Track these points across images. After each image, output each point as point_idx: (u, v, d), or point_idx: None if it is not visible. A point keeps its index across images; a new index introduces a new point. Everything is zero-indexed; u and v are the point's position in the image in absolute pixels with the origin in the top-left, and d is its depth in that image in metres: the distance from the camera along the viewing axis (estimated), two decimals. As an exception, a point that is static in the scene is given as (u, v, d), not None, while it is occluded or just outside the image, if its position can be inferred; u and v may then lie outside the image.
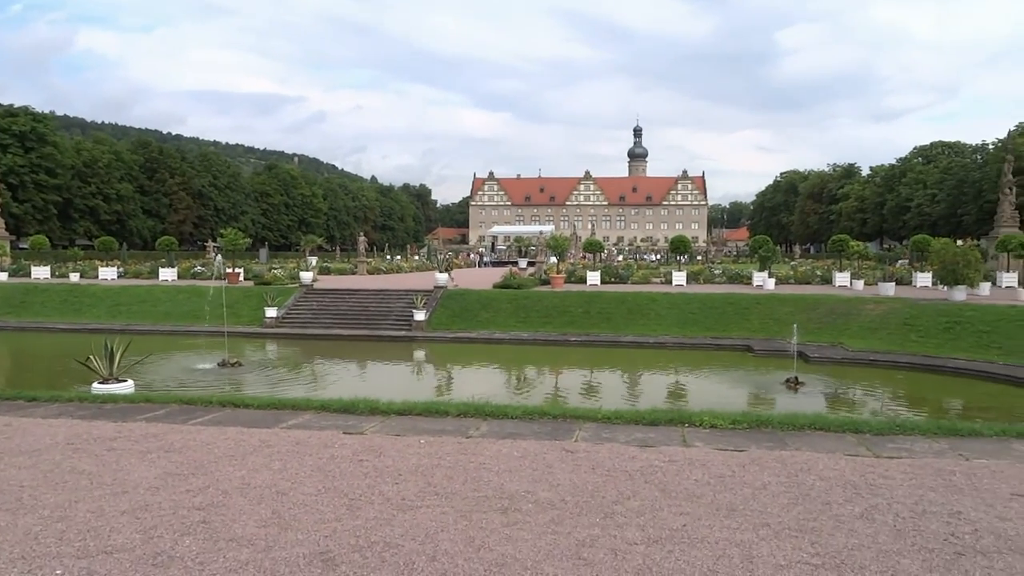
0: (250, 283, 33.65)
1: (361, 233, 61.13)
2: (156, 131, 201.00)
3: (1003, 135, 73.78)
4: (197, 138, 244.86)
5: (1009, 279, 31.58)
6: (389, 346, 24.30)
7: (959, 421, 8.82)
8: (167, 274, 37.06)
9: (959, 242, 57.60)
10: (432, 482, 6.06)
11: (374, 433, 7.87)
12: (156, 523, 5.08)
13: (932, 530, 5.01)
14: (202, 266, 40.33)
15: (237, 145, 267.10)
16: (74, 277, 36.42)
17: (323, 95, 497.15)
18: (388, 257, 72.31)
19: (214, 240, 56.22)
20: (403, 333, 25.58)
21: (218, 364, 19.23)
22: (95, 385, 11.60)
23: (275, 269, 40.04)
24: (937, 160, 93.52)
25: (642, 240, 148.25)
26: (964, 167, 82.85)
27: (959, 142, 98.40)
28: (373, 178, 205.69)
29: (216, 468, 6.48)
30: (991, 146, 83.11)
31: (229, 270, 34.85)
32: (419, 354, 23.46)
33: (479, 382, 18.58)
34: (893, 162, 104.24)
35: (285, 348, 23.96)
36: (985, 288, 28.13)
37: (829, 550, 4.64)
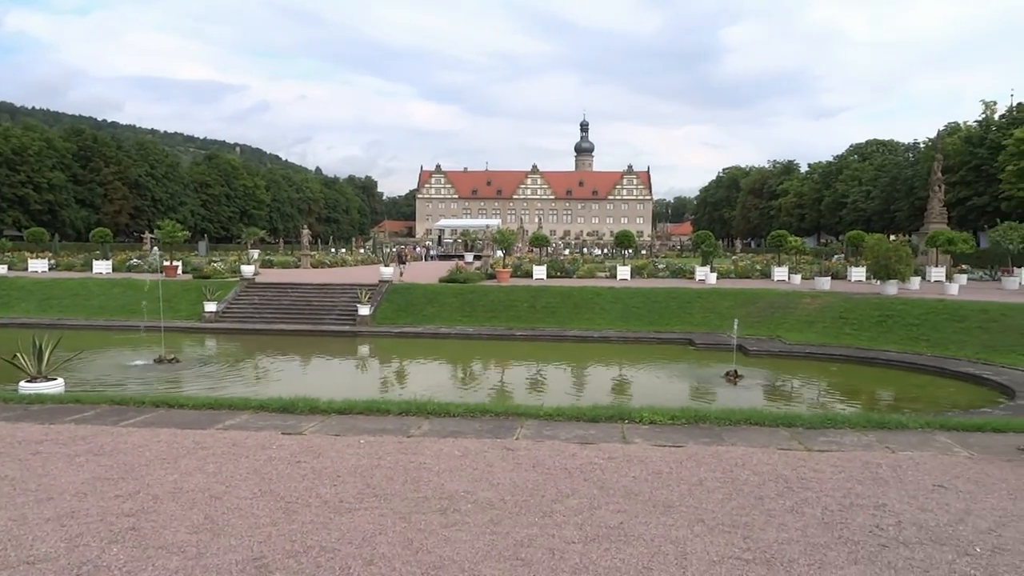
0: (189, 276, 32.84)
1: (305, 226, 60.20)
2: (91, 118, 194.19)
3: (934, 134, 76.53)
4: (134, 126, 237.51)
5: (937, 274, 32.84)
6: (333, 341, 23.99)
7: (887, 414, 9.12)
8: (101, 267, 35.88)
9: (892, 238, 59.69)
10: (371, 483, 6.00)
11: (313, 433, 7.76)
12: (82, 531, 4.92)
13: (858, 523, 5.18)
14: (138, 259, 39.18)
15: (176, 134, 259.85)
16: (1, 269, 35.01)
17: (267, 84, 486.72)
18: (333, 250, 71.38)
19: (151, 232, 54.59)
20: (347, 328, 25.29)
21: (154, 360, 18.71)
22: (22, 384, 11.15)
23: (215, 262, 39.15)
24: (872, 158, 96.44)
25: (588, 234, 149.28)
26: (897, 165, 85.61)
27: (892, 140, 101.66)
28: (318, 169, 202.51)
29: (147, 472, 6.30)
30: (922, 145, 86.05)
31: (167, 263, 33.93)
32: (363, 349, 23.23)
33: (424, 378, 18.49)
34: (830, 159, 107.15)
35: (225, 344, 23.43)
36: (915, 283, 29.20)
37: (760, 544, 4.75)
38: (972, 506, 5.54)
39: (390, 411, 8.72)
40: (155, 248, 37.68)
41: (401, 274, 31.68)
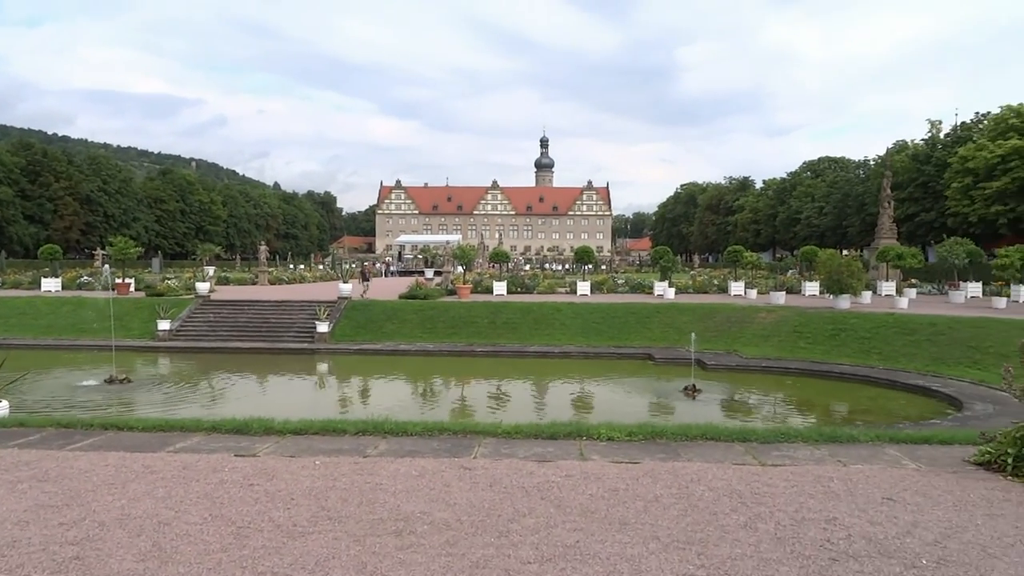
0: (141, 294, 32.17)
1: (263, 242, 59.40)
2: (41, 132, 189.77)
3: (883, 152, 78.72)
4: (86, 140, 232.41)
5: (888, 288, 33.69)
6: (290, 359, 23.67)
7: (839, 428, 9.30)
8: (50, 284, 34.97)
9: (844, 253, 61.06)
10: (326, 506, 5.91)
11: (267, 455, 7.63)
12: (23, 561, 4.75)
13: (810, 537, 5.26)
14: (89, 276, 38.27)
15: (130, 148, 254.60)
16: (-56, 288, 33.88)
17: (223, 99, 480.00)
18: (291, 266, 70.55)
19: (103, 248, 53.33)
20: (305, 345, 24.99)
21: (105, 381, 18.24)
22: (-37, 408, 10.77)
23: (169, 279, 38.39)
24: (824, 174, 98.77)
25: (549, 250, 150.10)
26: (848, 181, 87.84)
27: (844, 157, 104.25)
28: (276, 185, 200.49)
29: (94, 498, 6.12)
30: (872, 162, 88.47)
31: (119, 280, 33.15)
32: (321, 367, 22.96)
33: (382, 396, 18.34)
34: (784, 176, 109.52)
35: (179, 363, 22.97)
36: (867, 297, 29.91)
37: (714, 561, 4.79)
38: (919, 518, 5.66)
39: (346, 431, 8.62)
40: (107, 265, 36.77)
41: (364, 291, 31.44)
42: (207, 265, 48.10)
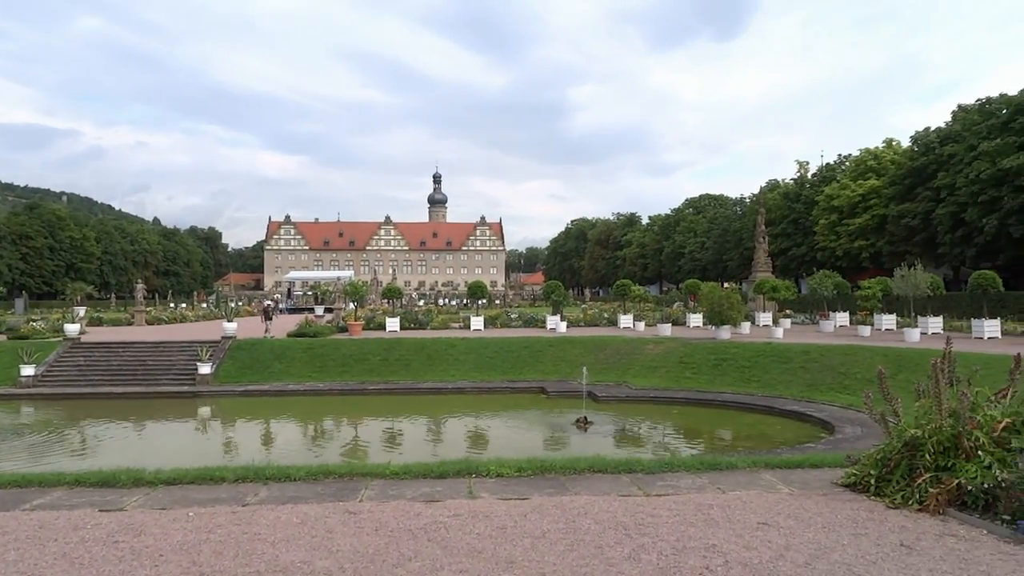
0: (3, 337, 29.81)
1: (140, 280, 56.49)
2: None
3: (758, 190, 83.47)
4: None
5: (765, 318, 35.43)
6: (170, 404, 22.42)
7: (719, 456, 9.63)
8: None
9: (725, 285, 64.03)
10: (197, 560, 5.58)
11: (136, 508, 7.15)
12: None
13: (690, 565, 5.38)
14: (-59, 319, 35.15)
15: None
16: None
17: (100, 130, 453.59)
18: (172, 305, 67.23)
19: (-41, 289, 49.25)
20: (186, 388, 23.77)
21: (-45, 434, 16.69)
22: None
23: (35, 321, 35.76)
24: (705, 211, 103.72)
25: (443, 285, 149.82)
26: (727, 218, 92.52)
27: (723, 195, 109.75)
28: (156, 220, 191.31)
29: (-69, 566, 5.54)
30: (748, 200, 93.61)
31: (-24, 323, 30.62)
32: (203, 411, 21.85)
33: (267, 440, 17.61)
34: (669, 212, 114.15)
35: (45, 411, 21.31)
36: (746, 327, 31.34)
37: (599, 595, 4.82)
38: (791, 541, 5.91)
39: (225, 479, 8.20)
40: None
41: (267, 330, 30.29)
42: (78, 305, 45.20)
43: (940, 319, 30.46)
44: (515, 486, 7.87)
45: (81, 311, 38.52)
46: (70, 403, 22.18)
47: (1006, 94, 51.77)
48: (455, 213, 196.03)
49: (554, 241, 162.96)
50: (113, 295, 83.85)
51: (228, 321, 29.03)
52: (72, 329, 28.66)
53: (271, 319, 32.77)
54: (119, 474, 8.25)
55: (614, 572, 5.25)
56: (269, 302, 48.33)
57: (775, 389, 21.45)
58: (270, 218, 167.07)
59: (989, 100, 53.05)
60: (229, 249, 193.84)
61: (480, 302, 45.05)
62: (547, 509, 6.92)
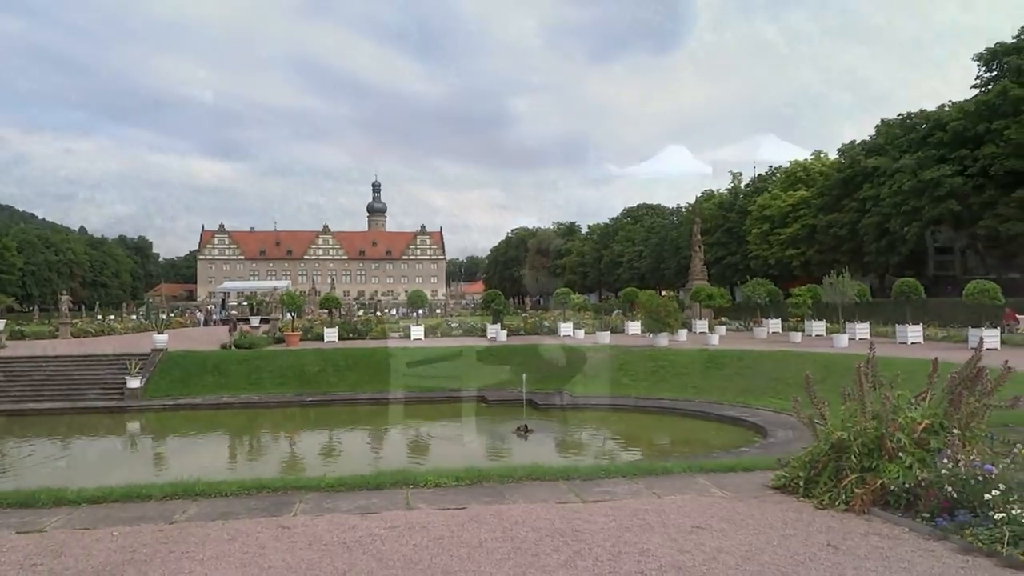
0: (-87, 353, 28.25)
1: (65, 291, 54.25)
2: None
3: (693, 200, 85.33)
4: None
5: (701, 325, 36.16)
6: (96, 419, 21.60)
7: (655, 462, 9.77)
8: None
9: (663, 294, 65.13)
10: (121, 581, 5.37)
11: (57, 529, 6.83)
12: None
13: (625, 570, 5.42)
14: None
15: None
16: None
17: (21, 136, 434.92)
18: (99, 317, 64.80)
19: None
20: (114, 403, 22.93)
21: None
22: None
23: (-51, 335, 34.00)
24: (643, 220, 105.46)
25: (383, 294, 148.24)
26: (664, 227, 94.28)
27: (660, 205, 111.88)
28: (83, 229, 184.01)
29: None
30: (684, 209, 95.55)
31: None
32: (132, 427, 21.13)
33: (199, 455, 17.13)
34: (608, 221, 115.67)
35: (-42, 429, 20.27)
36: (683, 334, 31.92)
37: (535, 603, 4.81)
38: (723, 544, 6.02)
39: (152, 496, 7.91)
40: None
41: (231, 342, 29.18)
42: (-3, 318, 43.11)
43: (867, 325, 31.56)
44: (453, 495, 7.82)
45: (1, 324, 36.72)
46: (-13, 420, 21.15)
47: (925, 110, 54.28)
48: (395, 222, 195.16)
49: (495, 250, 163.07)
50: (36, 308, 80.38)
51: (159, 333, 28.16)
52: (-10, 343, 27.35)
53: (237, 330, 31.55)
54: (39, 494, 7.88)
55: (550, 579, 5.25)
56: (234, 313, 46.76)
57: (712, 395, 21.86)
58: (203, 227, 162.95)
59: (910, 115, 55.52)
60: (161, 259, 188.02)
61: (420, 311, 44.79)
62: (485, 518, 6.89)
